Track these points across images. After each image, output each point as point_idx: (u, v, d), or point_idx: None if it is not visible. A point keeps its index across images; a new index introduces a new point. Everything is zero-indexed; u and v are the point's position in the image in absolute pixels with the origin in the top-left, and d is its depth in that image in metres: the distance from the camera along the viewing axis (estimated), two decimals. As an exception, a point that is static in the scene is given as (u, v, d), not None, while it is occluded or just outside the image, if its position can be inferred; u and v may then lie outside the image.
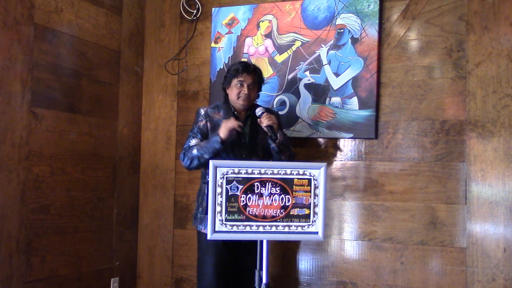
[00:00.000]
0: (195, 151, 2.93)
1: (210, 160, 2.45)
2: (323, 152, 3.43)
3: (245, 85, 2.99)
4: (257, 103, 3.15)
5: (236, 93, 3.01)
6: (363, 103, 3.32)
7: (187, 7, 3.88)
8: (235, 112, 3.06)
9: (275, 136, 2.89)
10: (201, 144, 2.95)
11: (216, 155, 2.88)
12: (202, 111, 3.10)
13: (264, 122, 2.90)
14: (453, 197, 3.16)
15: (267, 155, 3.06)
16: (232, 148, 2.98)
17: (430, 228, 3.20)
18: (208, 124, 3.05)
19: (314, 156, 3.44)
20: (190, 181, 3.81)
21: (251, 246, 2.63)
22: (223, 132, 2.87)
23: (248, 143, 3.01)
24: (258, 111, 2.97)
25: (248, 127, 3.01)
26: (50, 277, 3.23)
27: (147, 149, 3.97)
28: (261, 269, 2.48)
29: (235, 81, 3.01)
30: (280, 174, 2.45)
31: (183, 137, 3.84)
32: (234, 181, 2.43)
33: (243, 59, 3.63)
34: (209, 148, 2.88)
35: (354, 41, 3.37)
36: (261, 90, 3.15)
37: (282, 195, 2.45)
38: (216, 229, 2.42)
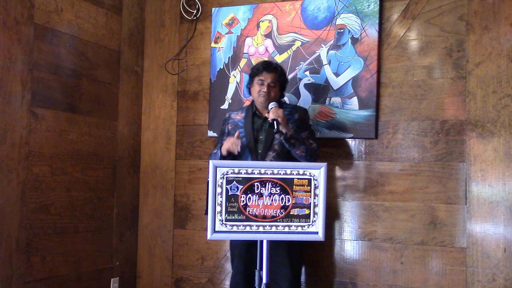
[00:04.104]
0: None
1: (209, 160, 2.46)
2: (323, 152, 3.42)
3: (265, 84, 3.05)
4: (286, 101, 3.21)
5: (257, 91, 3.07)
6: (363, 103, 3.32)
7: (187, 7, 3.87)
8: (256, 111, 3.13)
9: (277, 130, 2.90)
10: (214, 152, 3.15)
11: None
12: (226, 115, 3.26)
13: (270, 116, 2.93)
14: (453, 197, 3.16)
15: (285, 150, 3.03)
16: (249, 145, 3.04)
17: (430, 228, 3.20)
18: (229, 126, 3.17)
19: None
20: (190, 181, 3.81)
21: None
22: (223, 148, 2.99)
23: (264, 139, 3.06)
24: (270, 106, 2.99)
25: (267, 124, 3.04)
26: (50, 277, 3.23)
27: (147, 149, 3.97)
28: (261, 269, 2.47)
29: (256, 80, 3.09)
30: (280, 174, 2.46)
31: (183, 137, 3.85)
32: (234, 181, 2.43)
33: (243, 59, 3.63)
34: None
35: (354, 41, 3.37)
36: (284, 89, 3.19)
37: (282, 195, 2.45)
38: (216, 229, 2.42)
